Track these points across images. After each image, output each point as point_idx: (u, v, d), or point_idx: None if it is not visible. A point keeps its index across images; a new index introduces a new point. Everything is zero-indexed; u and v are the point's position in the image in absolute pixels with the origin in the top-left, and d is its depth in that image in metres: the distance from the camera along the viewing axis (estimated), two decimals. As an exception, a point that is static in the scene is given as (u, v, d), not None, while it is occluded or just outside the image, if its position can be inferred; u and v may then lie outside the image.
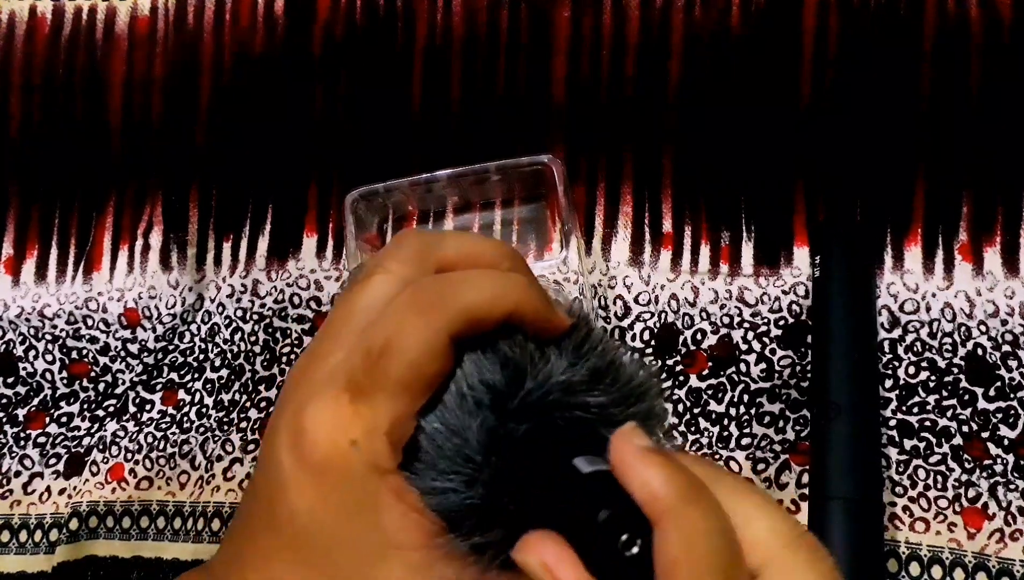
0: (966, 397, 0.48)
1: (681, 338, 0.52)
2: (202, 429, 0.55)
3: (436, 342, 0.25)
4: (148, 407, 0.56)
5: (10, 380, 0.58)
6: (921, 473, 0.48)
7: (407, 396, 0.25)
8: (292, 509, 0.26)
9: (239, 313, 0.57)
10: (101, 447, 0.56)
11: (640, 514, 0.22)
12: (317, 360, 0.27)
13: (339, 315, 0.27)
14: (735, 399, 0.50)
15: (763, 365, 0.51)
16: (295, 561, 0.26)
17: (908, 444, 0.48)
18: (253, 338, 0.56)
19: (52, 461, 0.56)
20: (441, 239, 0.28)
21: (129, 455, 0.55)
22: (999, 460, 0.47)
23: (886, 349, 0.50)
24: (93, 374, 0.58)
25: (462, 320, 0.25)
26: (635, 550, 0.22)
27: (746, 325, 0.51)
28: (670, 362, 0.52)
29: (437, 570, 0.25)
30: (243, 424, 0.55)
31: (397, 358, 0.25)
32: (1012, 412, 0.48)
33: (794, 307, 0.51)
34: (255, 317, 0.56)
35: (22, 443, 0.57)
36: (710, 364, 0.51)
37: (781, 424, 0.50)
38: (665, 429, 0.26)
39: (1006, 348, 0.49)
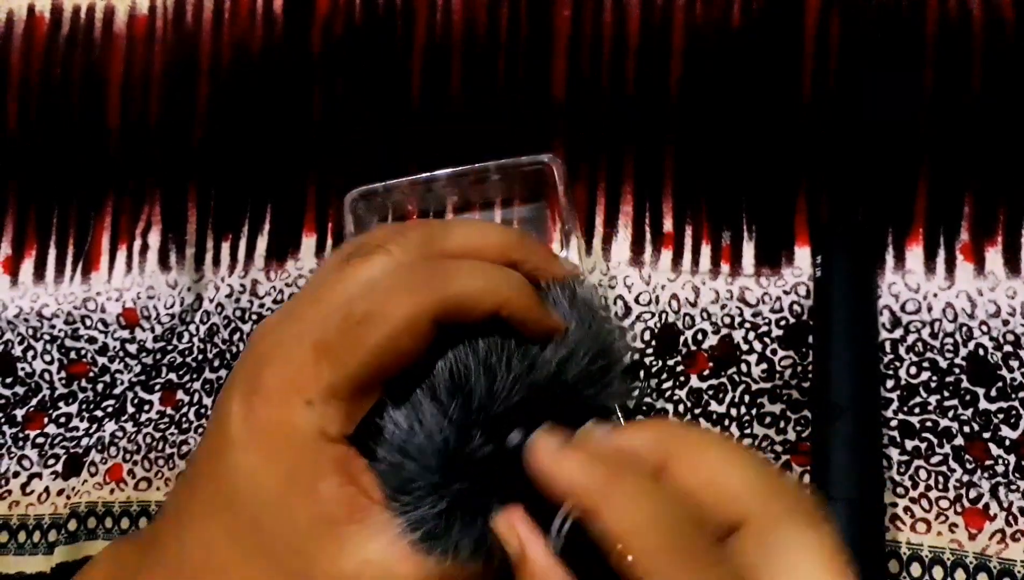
0: (967, 397, 0.48)
1: (682, 338, 0.52)
2: (201, 430, 0.55)
3: (418, 320, 0.25)
4: (147, 407, 0.56)
5: (8, 380, 0.58)
6: (922, 474, 0.48)
7: (376, 366, 0.25)
8: (233, 467, 0.25)
9: (238, 313, 0.57)
10: (100, 448, 0.56)
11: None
12: (293, 319, 0.26)
13: (326, 283, 0.27)
14: (736, 400, 0.50)
15: (764, 365, 0.51)
16: (230, 525, 0.25)
17: (909, 445, 0.48)
18: (252, 338, 0.56)
19: (51, 462, 0.56)
20: (447, 231, 0.28)
21: (128, 456, 0.55)
22: (1000, 461, 0.47)
23: (887, 349, 0.50)
24: (92, 374, 0.58)
25: (449, 305, 0.25)
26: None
27: (747, 325, 0.51)
28: (670, 362, 0.52)
29: (369, 547, 0.25)
30: (242, 424, 0.55)
31: (376, 326, 0.24)
32: (1014, 413, 0.48)
33: (795, 307, 0.51)
34: (254, 317, 0.56)
35: (21, 444, 0.57)
36: (711, 364, 0.51)
37: (782, 425, 0.50)
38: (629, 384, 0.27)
39: (1008, 348, 0.48)
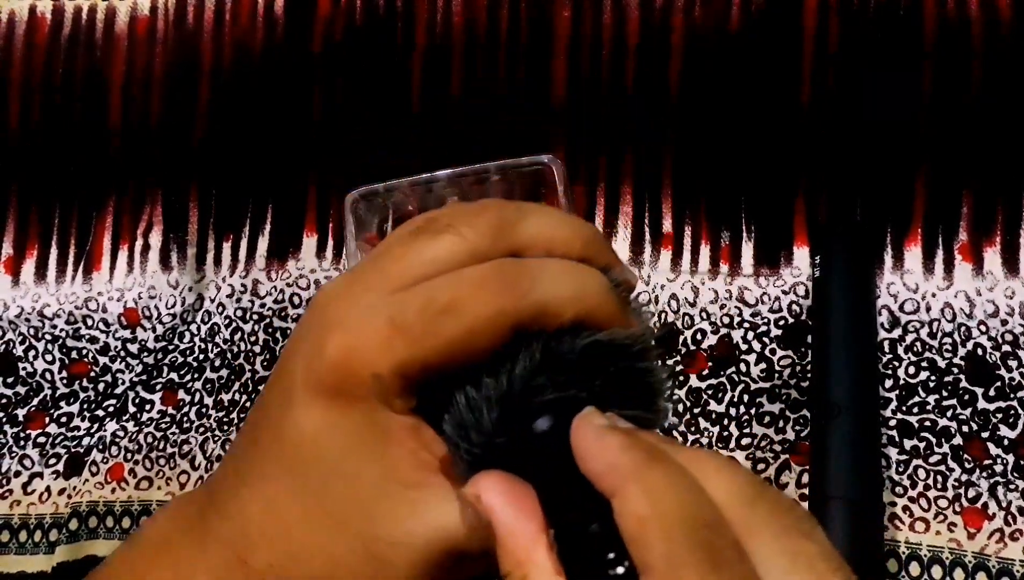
0: (966, 397, 0.48)
1: (681, 338, 0.52)
2: (202, 429, 0.55)
3: (501, 322, 0.25)
4: (148, 407, 0.56)
5: (10, 380, 0.58)
6: (921, 473, 0.48)
7: (448, 357, 0.25)
8: (298, 430, 0.25)
9: (239, 313, 0.57)
10: (101, 447, 0.56)
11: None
12: (360, 288, 0.26)
13: (394, 255, 0.27)
14: (735, 399, 0.50)
15: (763, 365, 0.51)
16: (293, 487, 0.26)
17: (908, 444, 0.48)
18: (253, 338, 0.56)
19: (52, 461, 0.56)
20: (522, 217, 0.28)
21: (129, 455, 0.55)
22: (999, 460, 0.47)
23: (886, 349, 0.50)
24: (93, 374, 0.58)
25: (535, 312, 0.25)
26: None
27: (746, 325, 0.51)
28: (670, 362, 0.52)
29: (439, 510, 0.25)
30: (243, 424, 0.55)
31: (457, 320, 0.24)
32: (1012, 412, 0.48)
33: (794, 307, 0.51)
34: (255, 317, 0.56)
35: (22, 443, 0.57)
36: (710, 364, 0.51)
37: (781, 424, 0.50)
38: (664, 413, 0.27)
39: (1006, 348, 0.49)
